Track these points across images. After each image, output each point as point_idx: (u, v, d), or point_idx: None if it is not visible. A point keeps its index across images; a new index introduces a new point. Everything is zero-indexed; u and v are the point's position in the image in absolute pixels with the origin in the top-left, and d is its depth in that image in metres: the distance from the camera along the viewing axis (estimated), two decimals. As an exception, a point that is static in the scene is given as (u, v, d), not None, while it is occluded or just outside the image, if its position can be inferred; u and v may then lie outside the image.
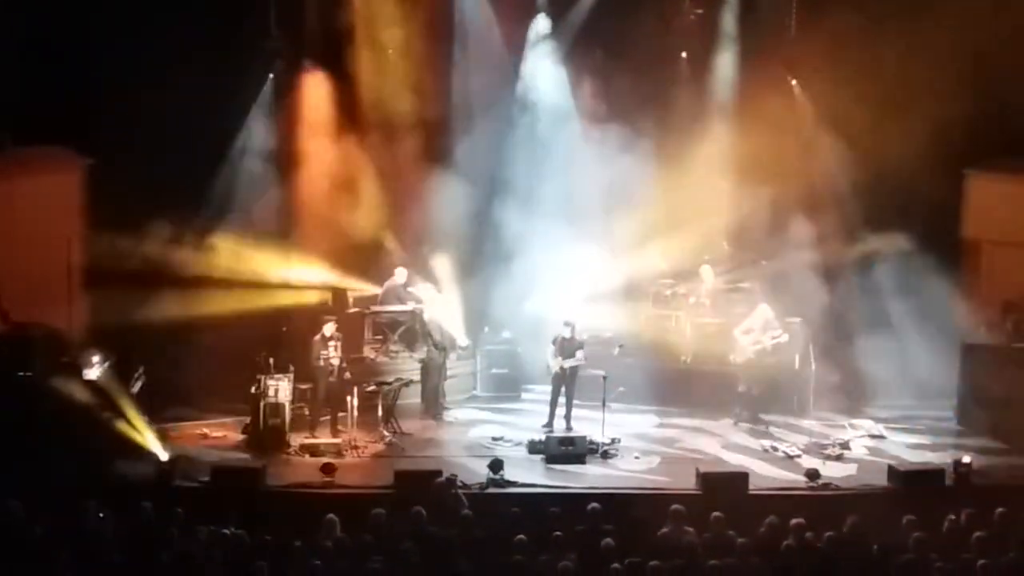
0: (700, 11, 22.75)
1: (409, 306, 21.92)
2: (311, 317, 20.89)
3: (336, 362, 19.70)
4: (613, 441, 19.21)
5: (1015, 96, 21.26)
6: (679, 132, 22.84)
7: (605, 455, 18.92)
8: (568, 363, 19.77)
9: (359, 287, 22.39)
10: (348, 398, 19.41)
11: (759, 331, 20.22)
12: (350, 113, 22.35)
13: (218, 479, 17.23)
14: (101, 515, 14.82)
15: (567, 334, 19.82)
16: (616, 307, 21.76)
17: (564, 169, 22.43)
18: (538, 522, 14.76)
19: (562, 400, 20.04)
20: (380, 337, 21.98)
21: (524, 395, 21.80)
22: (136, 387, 19.29)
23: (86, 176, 21.83)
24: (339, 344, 19.86)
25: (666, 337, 21.71)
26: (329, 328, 19.82)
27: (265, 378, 19.25)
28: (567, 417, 20.00)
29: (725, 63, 22.83)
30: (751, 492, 17.23)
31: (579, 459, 18.65)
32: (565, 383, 19.94)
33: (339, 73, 22.12)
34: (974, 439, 19.77)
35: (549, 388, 20.18)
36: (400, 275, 22.11)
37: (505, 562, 13.65)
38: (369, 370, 21.04)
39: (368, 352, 21.67)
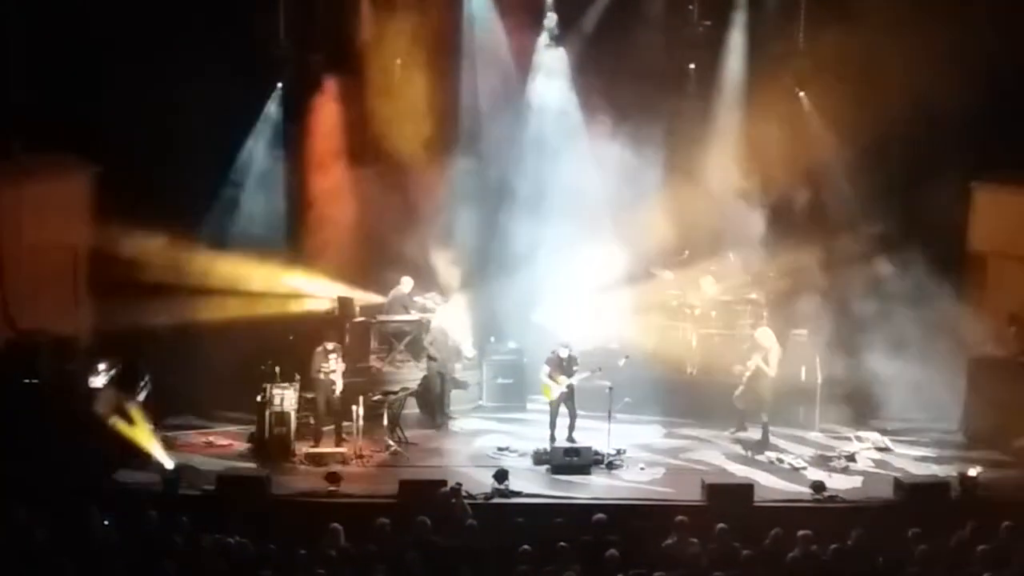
0: (708, 23, 22.75)
1: (415, 316, 21.94)
2: (318, 326, 20.91)
3: (336, 377, 19.64)
4: (618, 452, 19.20)
5: (1022, 108, 21.27)
6: (687, 143, 22.85)
7: (610, 466, 18.91)
8: (574, 380, 19.69)
9: (365, 296, 22.38)
10: (353, 407, 19.41)
11: (756, 352, 20.24)
12: (359, 120, 22.36)
13: (223, 488, 17.23)
14: (106, 522, 14.85)
15: (564, 354, 19.75)
16: (622, 318, 21.72)
17: (571, 180, 22.40)
18: (542, 532, 14.77)
19: (563, 411, 19.95)
20: (386, 346, 22.00)
21: (529, 406, 21.77)
22: (142, 395, 19.31)
23: (93, 183, 21.87)
24: (339, 357, 19.81)
25: (672, 348, 21.68)
26: (330, 342, 19.82)
27: (271, 387, 19.26)
28: (571, 432, 19.89)
29: (733, 75, 22.82)
30: (756, 504, 17.22)
31: (584, 470, 18.65)
32: (565, 400, 19.85)
33: (349, 80, 22.13)
34: (980, 452, 19.73)
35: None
36: (406, 284, 22.12)
37: (509, 573, 13.63)
38: (374, 379, 21.06)
39: (374, 361, 21.68)
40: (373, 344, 22.00)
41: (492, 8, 22.69)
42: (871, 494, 17.89)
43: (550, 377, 19.67)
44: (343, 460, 18.93)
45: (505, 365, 22.17)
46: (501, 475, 17.76)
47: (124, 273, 20.73)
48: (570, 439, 19.66)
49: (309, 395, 19.93)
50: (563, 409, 19.83)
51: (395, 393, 20.14)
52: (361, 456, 19.08)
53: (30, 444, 17.56)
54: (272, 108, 22.02)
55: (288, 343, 20.50)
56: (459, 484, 16.93)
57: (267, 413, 19.17)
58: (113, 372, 19.25)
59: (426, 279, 22.15)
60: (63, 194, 21.48)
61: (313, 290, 22.00)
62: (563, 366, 19.67)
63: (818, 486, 17.80)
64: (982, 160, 21.64)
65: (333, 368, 19.59)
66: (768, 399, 20.11)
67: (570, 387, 19.64)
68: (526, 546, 14.06)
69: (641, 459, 19.25)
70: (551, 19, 23.00)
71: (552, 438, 19.68)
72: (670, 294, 22.30)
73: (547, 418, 20.05)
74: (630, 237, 21.85)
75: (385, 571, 13.58)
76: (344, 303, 22.00)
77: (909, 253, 21.50)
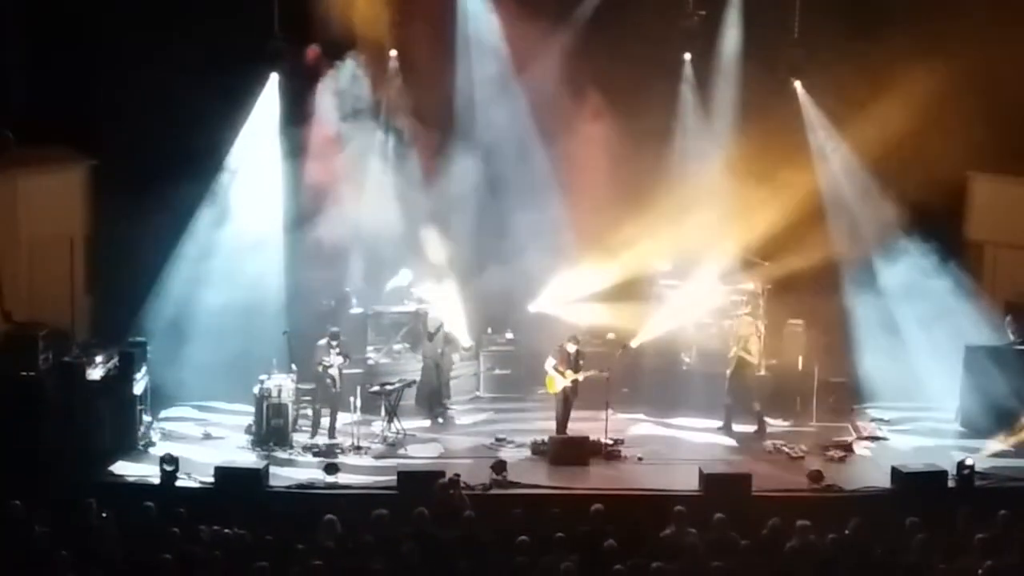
0: (703, 12, 22.72)
1: (411, 307, 21.93)
2: (314, 318, 20.92)
3: (335, 372, 19.63)
4: (616, 442, 19.20)
5: (1019, 98, 21.24)
6: (682, 133, 22.84)
7: (608, 456, 18.90)
8: (580, 376, 19.59)
9: (362, 288, 22.37)
10: (351, 399, 19.40)
11: (737, 344, 20.21)
12: (354, 112, 22.37)
13: (221, 479, 17.23)
14: (104, 515, 14.84)
15: (572, 349, 19.68)
16: (619, 308, 21.70)
17: (568, 169, 22.38)
18: (540, 523, 14.77)
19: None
20: (383, 338, 21.99)
21: (527, 396, 21.77)
22: (139, 387, 19.29)
23: (89, 176, 21.83)
24: (340, 351, 19.77)
25: (669, 338, 21.65)
26: (334, 336, 19.81)
27: (268, 378, 19.25)
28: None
29: (728, 65, 22.79)
30: (754, 494, 17.21)
31: (582, 460, 18.64)
32: (567, 394, 19.77)
33: (343, 73, 22.14)
34: (977, 441, 19.75)
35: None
36: (404, 276, 22.12)
37: (507, 563, 13.64)
38: (372, 371, 21.05)
39: (371, 353, 21.67)
40: (370, 336, 21.99)
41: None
42: (869, 483, 17.91)
43: (556, 369, 19.62)
44: (341, 451, 18.93)
45: (502, 356, 22.19)
46: (499, 466, 17.77)
47: (121, 265, 20.68)
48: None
49: (306, 386, 19.94)
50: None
51: (393, 384, 20.14)
52: (359, 448, 19.09)
53: (28, 436, 17.55)
54: (268, 99, 21.95)
55: (285, 334, 20.43)
56: (457, 475, 16.94)
57: (264, 405, 19.17)
58: (110, 364, 19.23)
59: (424, 270, 22.12)
60: (59, 186, 21.48)
61: (311, 280, 21.94)
62: (570, 360, 19.62)
63: (816, 476, 17.82)
64: (979, 149, 21.60)
65: (332, 362, 19.59)
66: (756, 388, 20.14)
67: (575, 382, 19.59)
68: (524, 537, 14.06)
69: (639, 449, 19.25)
70: (546, 9, 22.96)
71: (559, 429, 19.59)
72: (667, 283, 22.29)
73: (544, 409, 20.07)
74: (627, 226, 21.80)
75: (383, 562, 13.58)
76: (341, 295, 21.97)
77: (906, 241, 21.49)
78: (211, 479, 17.35)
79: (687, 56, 23.03)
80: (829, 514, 15.55)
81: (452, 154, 22.38)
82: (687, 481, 17.67)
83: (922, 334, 20.82)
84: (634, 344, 21.13)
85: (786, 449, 19.29)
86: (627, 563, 13.46)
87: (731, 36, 22.72)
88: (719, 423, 20.37)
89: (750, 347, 20.09)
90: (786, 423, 20.57)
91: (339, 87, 22.16)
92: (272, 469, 17.87)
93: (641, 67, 22.21)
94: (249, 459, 18.56)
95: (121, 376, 19.05)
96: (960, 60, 20.49)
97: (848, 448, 19.29)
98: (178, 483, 17.36)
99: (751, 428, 20.18)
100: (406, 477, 17.26)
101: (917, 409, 21.08)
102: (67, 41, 21.17)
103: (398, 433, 19.68)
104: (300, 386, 19.80)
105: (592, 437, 19.12)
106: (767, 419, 20.27)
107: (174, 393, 20.69)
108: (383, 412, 19.78)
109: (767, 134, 21.71)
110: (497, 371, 22.14)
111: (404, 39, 22.39)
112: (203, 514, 15.00)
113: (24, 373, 18.30)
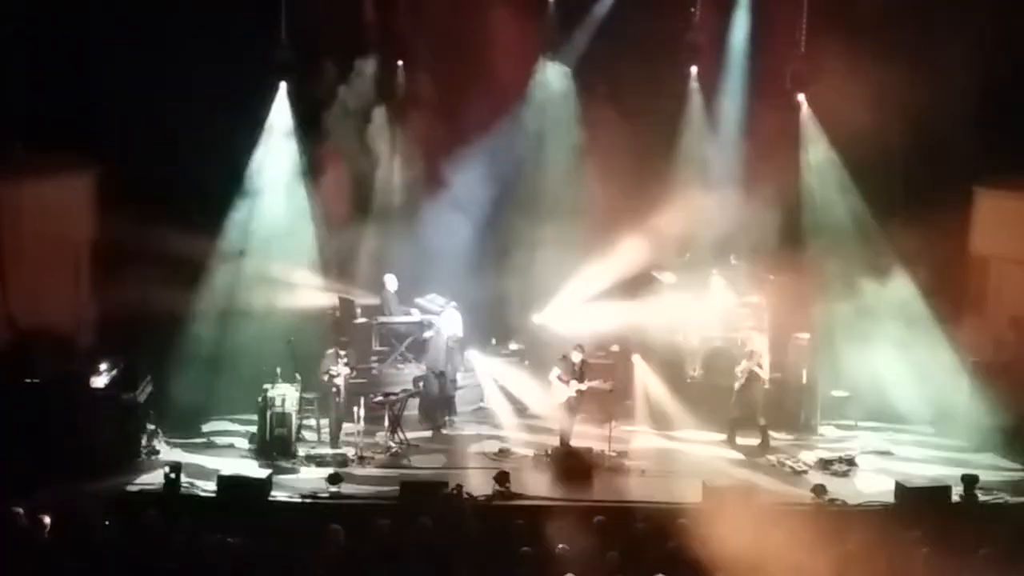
0: (709, 25, 22.75)
1: (416, 317, 21.93)
2: (321, 327, 20.93)
3: (340, 382, 19.64)
4: (619, 454, 19.19)
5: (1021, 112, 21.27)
6: (688, 145, 22.86)
7: (611, 468, 18.88)
8: (583, 386, 19.55)
9: (359, 295, 22.40)
10: (355, 409, 19.40)
11: (749, 359, 20.17)
12: (362, 120, 22.45)
13: (224, 488, 17.22)
14: (107, 523, 14.84)
15: (576, 359, 19.64)
16: (624, 320, 21.69)
17: (572, 180, 22.41)
18: (543, 535, 14.76)
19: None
20: (387, 348, 21.99)
21: (531, 408, 21.74)
22: (143, 395, 19.29)
23: (95, 182, 21.85)
24: (348, 361, 19.80)
25: (673, 350, 21.64)
26: (343, 347, 19.86)
27: (272, 388, 19.25)
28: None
29: (734, 77, 22.83)
30: (757, 507, 17.17)
31: (585, 472, 18.62)
32: (571, 405, 19.73)
33: (350, 82, 22.21)
34: (981, 456, 19.73)
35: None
36: (390, 283, 22.06)
37: (509, 574, 13.63)
38: (376, 381, 21.06)
39: (375, 363, 21.67)
40: (375, 345, 21.99)
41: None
42: (872, 497, 17.88)
43: (560, 380, 19.59)
44: (344, 461, 18.92)
45: (507, 367, 22.13)
46: (502, 477, 17.76)
47: (126, 272, 20.69)
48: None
49: (310, 396, 19.94)
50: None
51: (396, 395, 20.14)
52: (362, 457, 19.08)
53: (31, 444, 17.55)
54: (277, 108, 22.00)
55: (289, 343, 20.43)
56: (460, 485, 16.93)
57: (268, 414, 19.15)
58: (114, 372, 19.23)
59: (429, 279, 22.14)
60: (65, 193, 21.46)
61: (315, 289, 21.97)
62: (575, 371, 19.57)
63: (819, 489, 17.79)
64: (985, 163, 21.62)
65: (338, 372, 19.60)
66: (763, 403, 20.10)
67: (579, 392, 19.56)
68: (526, 548, 14.06)
69: (642, 461, 19.24)
70: (553, 20, 23.03)
71: (563, 440, 19.58)
72: (672, 296, 22.27)
73: (547, 422, 20.05)
74: (632, 237, 21.81)
75: (385, 572, 13.58)
76: (345, 304, 21.98)
77: (911, 256, 21.46)
78: (214, 488, 17.33)
79: (693, 68, 23.08)
80: (832, 528, 15.51)
81: (460, 161, 22.41)
82: (690, 494, 17.64)
83: (928, 349, 20.77)
84: (638, 356, 21.09)
85: (790, 463, 19.27)
86: (629, 575, 13.46)
87: (737, 49, 22.76)
88: (723, 436, 20.35)
89: (763, 362, 20.04)
90: (790, 436, 20.55)
91: (347, 95, 22.23)
92: (275, 478, 17.85)
93: (647, 78, 22.27)
94: (253, 468, 18.53)
95: (125, 384, 19.05)
96: (966, 72, 20.56)
97: (851, 462, 19.26)
98: (181, 491, 17.33)
99: (755, 441, 20.14)
100: (409, 487, 17.25)
101: (922, 424, 21.05)
102: (74, 48, 21.17)
103: (401, 443, 19.66)
104: (304, 395, 19.79)
105: (596, 448, 19.11)
106: (771, 432, 20.24)
107: (178, 401, 20.64)
108: (386, 422, 19.77)
109: (772, 146, 21.77)
110: (501, 382, 22.08)
111: (412, 47, 22.46)
112: (206, 522, 15.00)
113: (28, 380, 18.29)
